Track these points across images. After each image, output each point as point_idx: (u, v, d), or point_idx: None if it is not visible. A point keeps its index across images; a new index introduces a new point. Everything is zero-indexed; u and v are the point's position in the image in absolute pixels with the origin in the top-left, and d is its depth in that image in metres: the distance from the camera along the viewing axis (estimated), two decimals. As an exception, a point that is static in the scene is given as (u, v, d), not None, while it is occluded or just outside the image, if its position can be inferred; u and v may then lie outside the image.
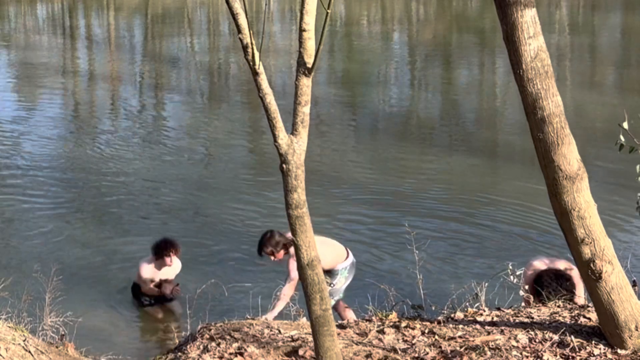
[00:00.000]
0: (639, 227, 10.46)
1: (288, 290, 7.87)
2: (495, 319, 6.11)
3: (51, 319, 6.51)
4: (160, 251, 8.79)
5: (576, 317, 5.99)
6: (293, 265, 7.85)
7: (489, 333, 5.82)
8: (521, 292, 6.98)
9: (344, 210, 11.23)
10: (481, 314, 6.23)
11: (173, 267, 8.91)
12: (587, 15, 29.79)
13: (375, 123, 16.38)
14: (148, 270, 8.84)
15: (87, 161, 13.59)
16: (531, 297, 7.09)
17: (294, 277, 7.78)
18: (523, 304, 7.03)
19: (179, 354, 5.82)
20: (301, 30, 4.70)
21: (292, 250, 8.11)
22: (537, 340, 5.67)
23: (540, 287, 7.37)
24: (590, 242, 5.38)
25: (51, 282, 6.78)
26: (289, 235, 8.13)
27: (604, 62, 21.51)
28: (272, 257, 8.11)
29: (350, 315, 7.96)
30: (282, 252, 8.12)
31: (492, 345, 5.58)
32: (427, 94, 19.39)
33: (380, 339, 5.82)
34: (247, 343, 5.72)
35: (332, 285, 8.08)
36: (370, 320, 6.20)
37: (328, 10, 4.44)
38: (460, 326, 5.95)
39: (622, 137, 5.35)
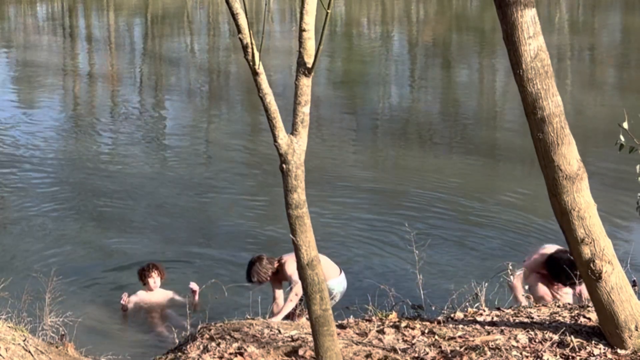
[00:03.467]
0: (639, 227, 10.46)
1: (299, 292, 7.88)
2: (495, 319, 6.11)
3: (51, 319, 6.51)
4: (143, 272, 8.82)
5: (576, 317, 5.99)
6: (293, 267, 7.87)
7: (489, 333, 5.82)
8: (522, 293, 6.98)
9: (343, 210, 11.22)
10: (481, 314, 6.23)
11: (160, 294, 8.91)
12: (587, 15, 29.79)
13: (375, 123, 16.37)
14: (141, 295, 8.86)
15: (86, 161, 13.59)
16: (530, 296, 7.10)
17: (297, 280, 7.81)
18: (522, 300, 7.03)
19: (179, 354, 5.82)
20: (301, 30, 4.70)
21: (284, 257, 8.15)
22: (537, 340, 5.67)
23: (555, 264, 7.45)
24: (590, 242, 5.38)
25: (51, 282, 6.77)
26: (276, 260, 8.21)
27: (604, 62, 21.50)
28: (259, 283, 8.24)
29: None
30: (271, 277, 8.21)
31: (492, 345, 5.58)
32: (427, 94, 19.38)
33: (380, 339, 5.82)
34: (247, 343, 5.72)
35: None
36: (370, 320, 6.20)
37: (328, 10, 4.44)
38: (460, 326, 5.95)
39: (622, 137, 5.35)
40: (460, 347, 5.59)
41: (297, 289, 7.89)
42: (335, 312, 5.16)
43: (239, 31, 4.63)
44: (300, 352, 5.60)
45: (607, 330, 5.56)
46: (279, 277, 8.32)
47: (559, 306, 6.38)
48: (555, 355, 5.48)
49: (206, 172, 13.14)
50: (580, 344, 5.56)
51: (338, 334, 5.44)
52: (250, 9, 20.07)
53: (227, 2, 4.62)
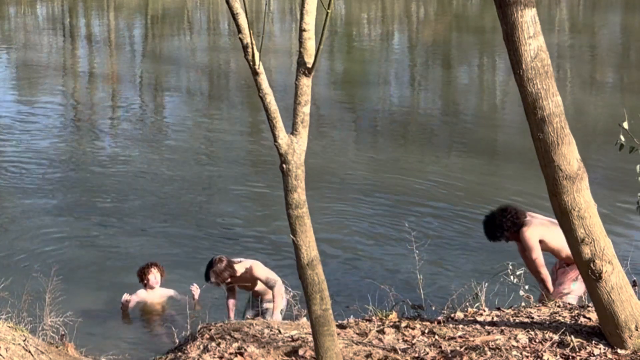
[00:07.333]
0: (639, 227, 10.45)
1: (282, 288, 7.90)
2: (495, 319, 6.11)
3: (51, 319, 6.51)
4: (142, 271, 8.82)
5: (576, 317, 5.99)
6: (263, 271, 7.96)
7: (489, 333, 5.82)
8: (521, 292, 6.98)
9: (343, 210, 11.22)
10: (481, 314, 6.23)
11: (160, 292, 8.91)
12: (587, 15, 29.78)
13: (375, 123, 16.37)
14: (142, 294, 8.85)
15: (87, 161, 13.59)
16: (531, 297, 7.10)
17: (274, 277, 7.94)
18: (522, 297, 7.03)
19: (179, 354, 5.82)
20: (301, 30, 4.70)
21: (248, 262, 8.08)
22: (537, 340, 5.67)
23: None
24: (590, 242, 5.38)
25: (51, 282, 6.78)
26: (239, 264, 8.11)
27: (604, 62, 21.50)
28: (217, 285, 8.09)
29: None
30: (233, 280, 8.05)
31: (492, 345, 5.58)
32: (427, 94, 19.38)
33: (380, 339, 5.82)
34: (247, 343, 5.72)
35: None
36: (370, 320, 6.20)
37: (328, 10, 4.44)
38: (460, 326, 5.96)
39: (622, 137, 5.35)
40: (461, 347, 5.60)
41: (279, 287, 7.88)
42: (335, 312, 5.16)
43: (239, 31, 4.63)
44: (300, 352, 5.60)
45: (607, 330, 5.56)
46: (243, 280, 8.10)
47: (559, 306, 6.38)
48: (555, 355, 5.48)
49: (206, 172, 13.14)
50: (580, 344, 5.56)
51: (338, 334, 5.44)
52: (250, 9, 20.05)
53: (227, 2, 4.62)
